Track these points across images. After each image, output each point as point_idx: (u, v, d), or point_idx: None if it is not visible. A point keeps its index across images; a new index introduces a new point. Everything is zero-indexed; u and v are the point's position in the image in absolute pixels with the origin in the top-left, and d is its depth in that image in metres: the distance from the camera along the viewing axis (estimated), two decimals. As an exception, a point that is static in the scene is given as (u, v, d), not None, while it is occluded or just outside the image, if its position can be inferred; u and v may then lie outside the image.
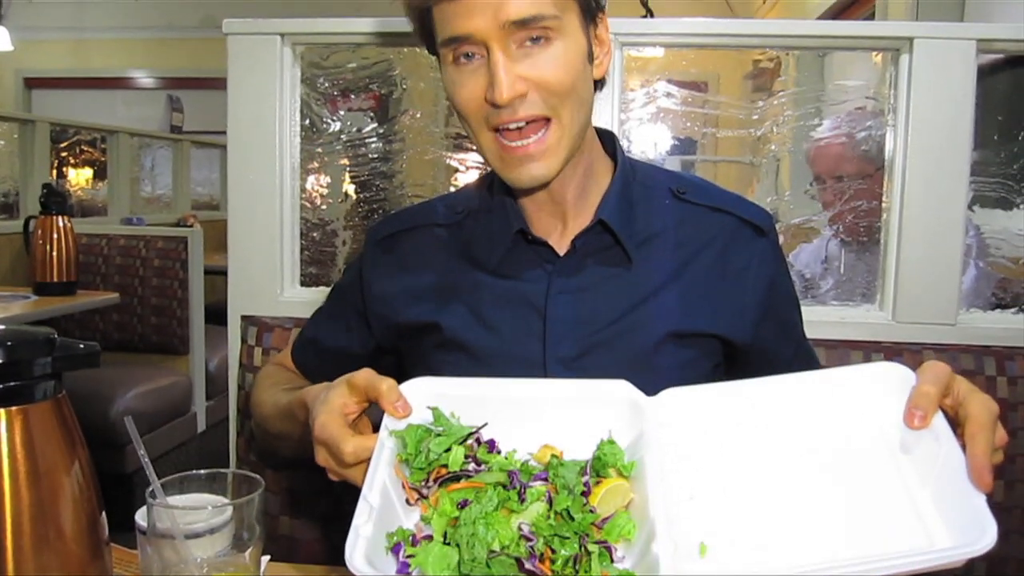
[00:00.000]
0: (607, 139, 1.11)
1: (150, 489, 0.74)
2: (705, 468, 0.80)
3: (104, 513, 0.75)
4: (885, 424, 0.78)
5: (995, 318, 1.47)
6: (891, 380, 0.79)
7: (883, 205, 1.48)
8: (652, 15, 5.19)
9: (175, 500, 0.76)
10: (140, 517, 0.74)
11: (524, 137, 0.94)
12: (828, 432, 0.80)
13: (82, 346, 0.74)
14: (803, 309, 1.18)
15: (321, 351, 1.21)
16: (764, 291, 1.07)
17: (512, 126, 0.93)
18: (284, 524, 1.42)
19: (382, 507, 0.74)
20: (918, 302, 1.44)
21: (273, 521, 1.41)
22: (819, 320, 1.41)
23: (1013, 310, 1.50)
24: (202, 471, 0.79)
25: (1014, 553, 1.31)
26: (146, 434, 3.09)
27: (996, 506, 0.64)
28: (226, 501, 0.77)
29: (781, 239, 1.58)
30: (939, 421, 0.74)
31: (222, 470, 0.79)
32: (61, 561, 0.70)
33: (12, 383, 0.69)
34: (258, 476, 0.77)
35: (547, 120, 0.94)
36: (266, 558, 0.88)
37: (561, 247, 1.05)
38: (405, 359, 1.15)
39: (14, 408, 0.70)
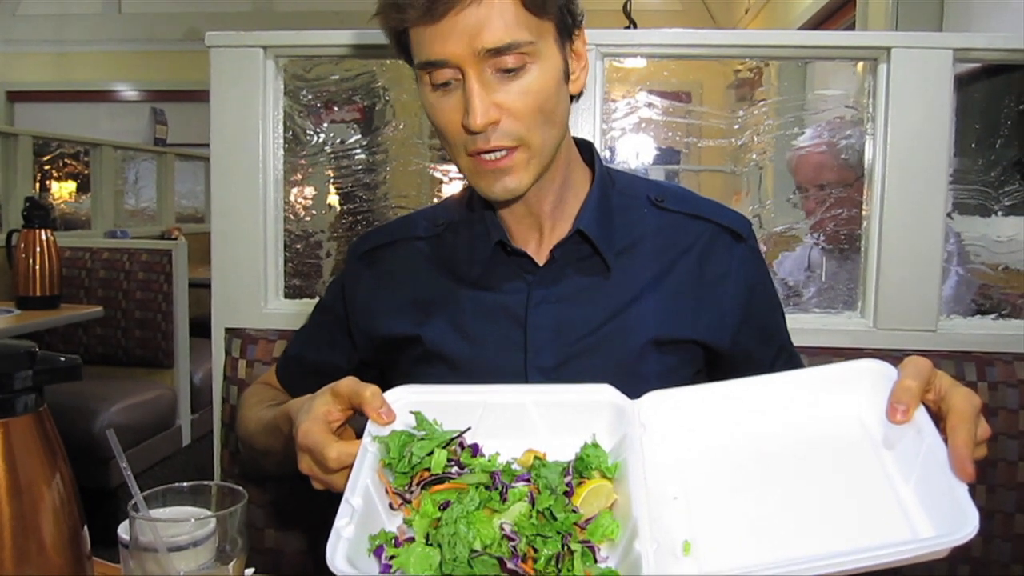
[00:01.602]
0: (585, 149, 1.12)
1: (132, 502, 0.74)
2: (689, 468, 0.80)
3: (86, 527, 0.75)
4: (867, 420, 0.79)
5: (975, 324, 1.49)
6: (872, 376, 0.80)
7: (863, 213, 1.50)
8: (635, 26, 5.23)
9: (158, 513, 0.76)
10: (123, 531, 0.74)
11: (494, 152, 0.95)
12: (810, 429, 0.81)
13: (63, 359, 0.74)
14: (786, 317, 1.18)
15: (306, 367, 1.21)
16: (743, 296, 1.08)
17: (487, 156, 0.94)
18: (269, 536, 1.41)
19: (365, 511, 0.74)
20: (899, 309, 1.45)
21: (258, 533, 1.40)
22: (801, 327, 1.42)
23: (993, 316, 1.51)
24: (185, 484, 0.78)
25: (996, 557, 1.32)
26: (131, 448, 3.08)
27: (979, 510, 0.65)
28: (209, 513, 0.77)
29: (764, 247, 1.60)
30: (921, 415, 0.74)
31: (205, 483, 0.79)
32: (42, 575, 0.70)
33: (-8, 397, 0.69)
34: (241, 488, 0.77)
35: (516, 147, 0.95)
36: (250, 571, 0.88)
37: (540, 257, 1.06)
38: (388, 372, 1.15)
39: (-6, 422, 0.69)
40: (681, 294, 1.05)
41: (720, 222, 1.09)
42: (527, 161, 0.96)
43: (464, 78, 0.92)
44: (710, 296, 1.06)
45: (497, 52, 0.90)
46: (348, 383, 0.85)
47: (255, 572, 0.92)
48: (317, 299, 1.28)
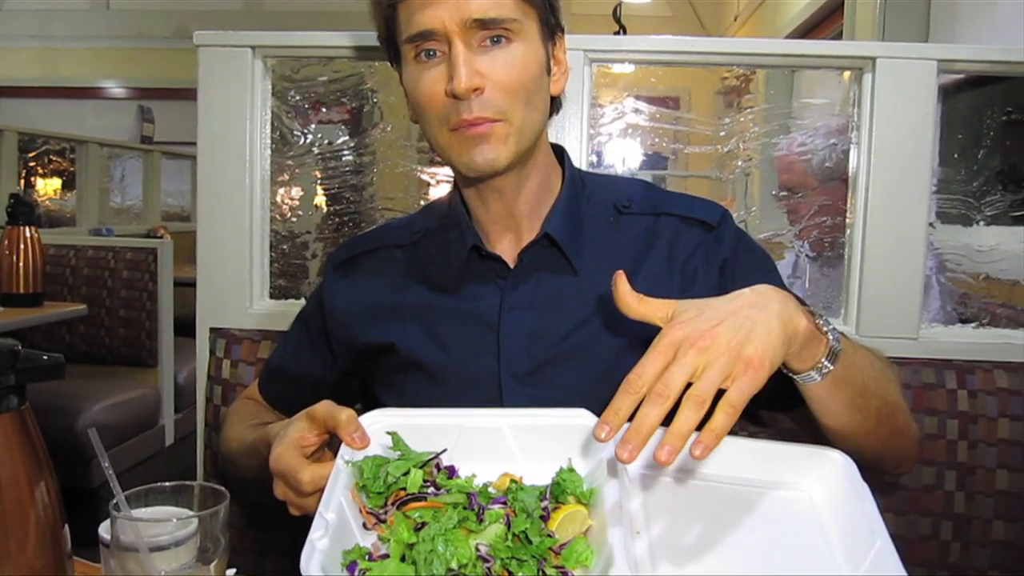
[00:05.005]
0: (558, 153, 1.13)
1: (114, 501, 0.73)
2: (654, 505, 0.81)
3: (67, 526, 0.75)
4: (820, 507, 0.81)
5: (956, 332, 1.50)
6: (831, 466, 0.83)
7: (847, 221, 1.51)
8: (625, 31, 5.25)
9: (140, 513, 0.75)
10: (104, 530, 0.74)
11: (476, 124, 0.96)
12: (767, 501, 0.83)
13: (46, 358, 0.74)
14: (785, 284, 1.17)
15: (287, 379, 1.21)
16: (715, 279, 1.06)
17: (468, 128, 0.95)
18: (251, 537, 1.41)
19: (339, 528, 0.73)
20: (881, 316, 1.46)
21: (240, 534, 1.40)
22: (785, 334, 1.43)
23: (973, 325, 1.53)
24: (167, 484, 0.78)
25: (974, 563, 1.33)
26: (113, 447, 3.06)
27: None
28: (191, 513, 0.77)
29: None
30: (876, 521, 0.75)
31: (187, 483, 0.79)
32: (22, 575, 0.70)
33: (-26, 395, 0.69)
34: (224, 489, 0.77)
35: (497, 120, 0.96)
36: (232, 571, 0.88)
37: (513, 261, 1.06)
38: (369, 382, 1.15)
39: (-24, 420, 0.69)
40: (652, 293, 1.05)
41: (687, 215, 1.08)
42: (506, 136, 0.97)
43: (450, 47, 0.94)
44: (681, 289, 1.05)
45: (483, 24, 0.93)
46: (323, 407, 0.85)
47: (237, 572, 0.92)
48: (303, 300, 1.28)
